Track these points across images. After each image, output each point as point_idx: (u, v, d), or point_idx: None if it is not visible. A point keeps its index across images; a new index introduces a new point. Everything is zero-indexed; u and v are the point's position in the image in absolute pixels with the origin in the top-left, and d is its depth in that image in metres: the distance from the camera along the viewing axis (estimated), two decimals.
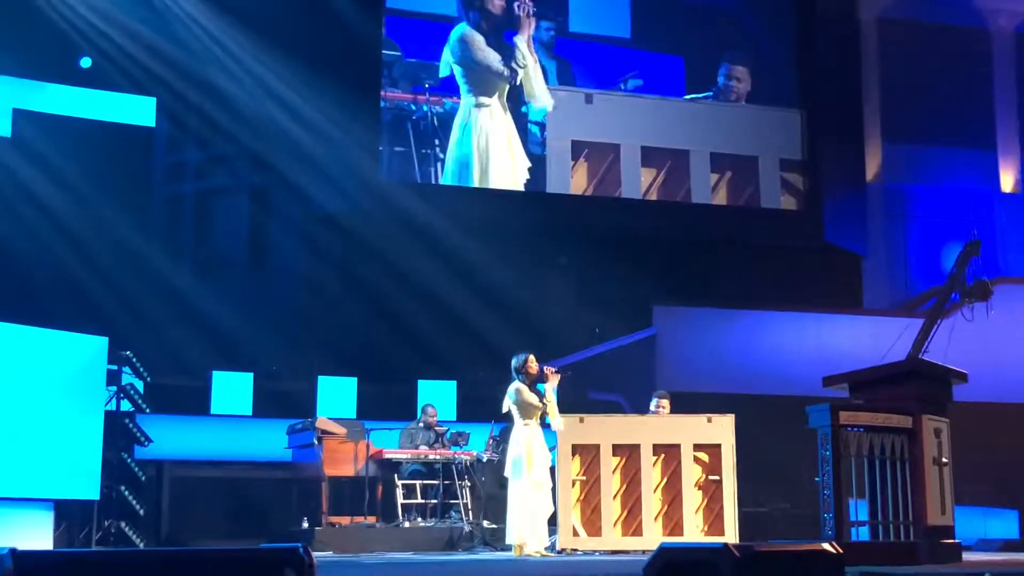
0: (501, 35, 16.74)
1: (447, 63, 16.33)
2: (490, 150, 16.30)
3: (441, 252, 14.81)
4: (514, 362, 9.92)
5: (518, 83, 16.48)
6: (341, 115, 15.01)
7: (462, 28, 16.52)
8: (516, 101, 16.60)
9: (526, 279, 15.15)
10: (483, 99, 16.31)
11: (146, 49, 14.54)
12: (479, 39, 16.52)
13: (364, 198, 15.31)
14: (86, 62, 14.36)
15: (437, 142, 16.29)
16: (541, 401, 9.83)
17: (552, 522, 9.91)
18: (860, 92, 18.06)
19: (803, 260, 16.79)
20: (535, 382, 9.91)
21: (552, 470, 9.97)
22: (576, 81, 17.25)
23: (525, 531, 9.65)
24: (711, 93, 17.75)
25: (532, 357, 9.94)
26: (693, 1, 18.20)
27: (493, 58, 16.48)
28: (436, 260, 14.79)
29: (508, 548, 9.95)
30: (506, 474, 9.95)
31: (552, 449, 10.08)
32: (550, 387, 9.93)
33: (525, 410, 9.79)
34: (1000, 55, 19.10)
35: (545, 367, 10.03)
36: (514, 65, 16.46)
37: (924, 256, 18.54)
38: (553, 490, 9.91)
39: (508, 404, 9.88)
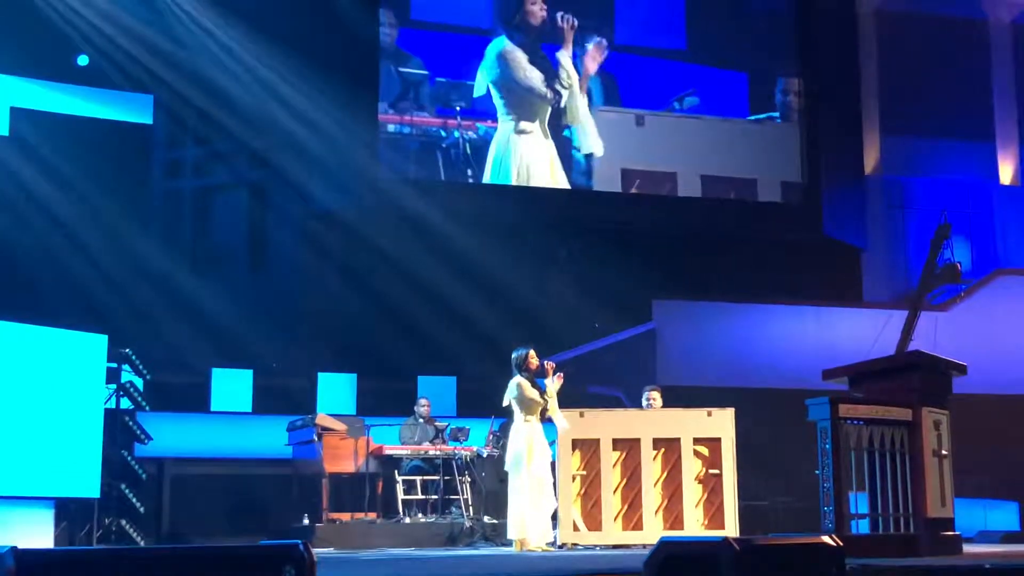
0: (539, 48, 15.20)
1: (483, 83, 15.05)
2: (531, 182, 15.15)
3: (440, 247, 14.79)
4: (515, 357, 9.92)
5: (562, 105, 15.19)
6: (340, 110, 14.97)
7: (501, 43, 15.19)
8: (557, 126, 15.24)
9: (525, 274, 15.14)
10: (524, 124, 14.95)
11: (143, 46, 14.52)
12: (521, 56, 15.03)
13: (363, 194, 15.27)
14: (83, 60, 14.35)
15: (470, 173, 15.18)
16: (542, 397, 9.83)
17: (553, 517, 9.91)
18: (859, 84, 18.04)
19: (802, 253, 16.77)
20: (536, 377, 9.91)
21: (553, 465, 9.97)
22: (624, 101, 15.71)
23: (526, 526, 9.65)
24: (777, 113, 16.34)
25: (533, 352, 9.95)
26: (756, 6, 16.62)
27: (536, 78, 15.01)
28: (435, 255, 14.78)
29: (509, 543, 9.96)
30: (506, 469, 9.95)
31: (552, 444, 10.08)
32: (551, 382, 9.93)
33: (526, 405, 9.79)
34: (998, 46, 19.08)
35: (546, 362, 10.04)
36: (558, 86, 15.08)
37: (923, 248, 18.49)
38: (554, 485, 9.91)
39: (509, 399, 9.88)
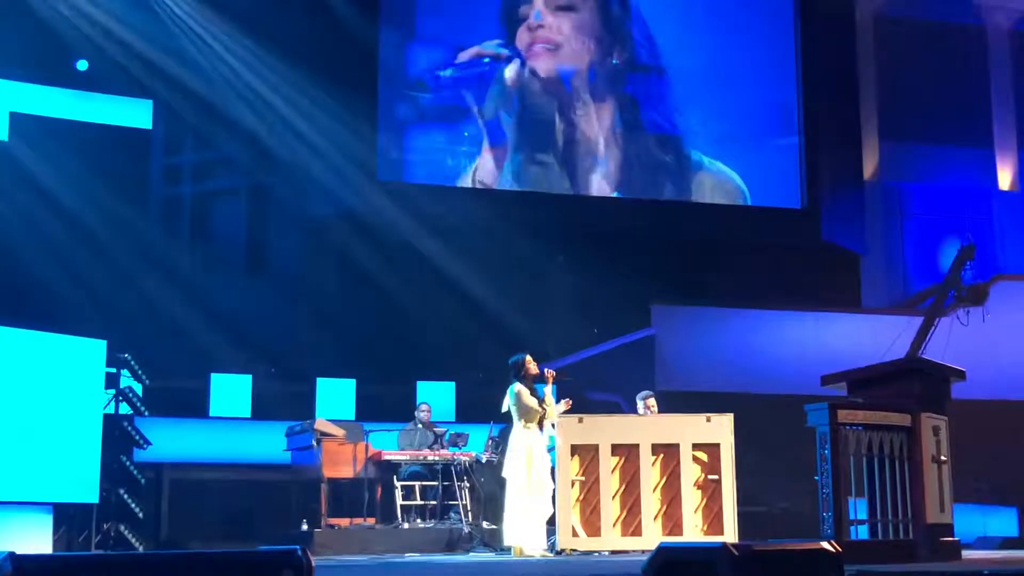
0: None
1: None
2: None
3: (439, 253, 14.80)
4: (512, 363, 9.91)
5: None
6: (338, 115, 14.98)
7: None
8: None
9: (524, 279, 15.14)
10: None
11: (142, 52, 14.54)
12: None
13: (362, 199, 15.28)
14: (83, 65, 14.36)
15: None
16: (541, 404, 9.81)
17: (551, 523, 9.90)
18: (857, 90, 18.06)
19: (801, 259, 16.78)
20: (535, 383, 9.89)
21: (552, 471, 9.96)
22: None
23: (523, 533, 9.63)
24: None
25: (529, 358, 9.93)
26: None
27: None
28: (434, 261, 14.79)
29: (507, 549, 9.94)
30: (504, 475, 9.94)
31: (551, 450, 10.07)
32: (549, 390, 9.91)
33: (524, 412, 9.77)
34: (996, 52, 19.11)
35: (547, 369, 10.02)
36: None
37: (922, 254, 18.54)
38: (552, 491, 9.89)
39: (507, 405, 9.87)
